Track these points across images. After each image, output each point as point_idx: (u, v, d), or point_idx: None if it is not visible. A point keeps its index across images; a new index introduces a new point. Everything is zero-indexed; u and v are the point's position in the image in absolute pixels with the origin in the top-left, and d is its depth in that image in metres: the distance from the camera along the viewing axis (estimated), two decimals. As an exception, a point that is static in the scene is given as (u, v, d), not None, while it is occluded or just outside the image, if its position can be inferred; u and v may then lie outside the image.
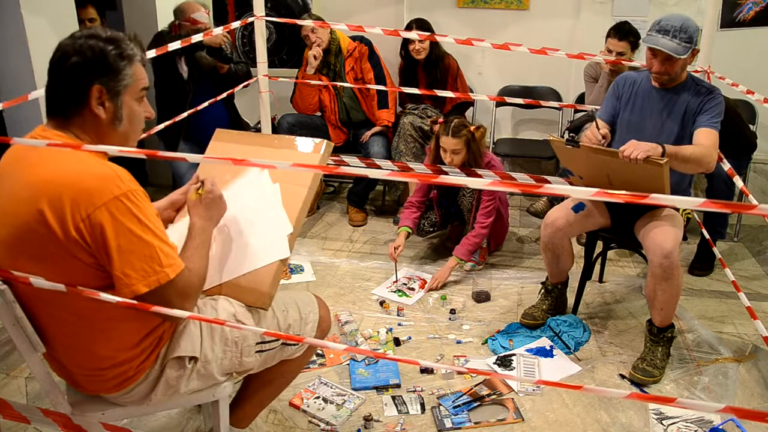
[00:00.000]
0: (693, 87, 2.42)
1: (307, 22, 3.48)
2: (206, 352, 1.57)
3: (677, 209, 2.45)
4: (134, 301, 1.30)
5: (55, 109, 1.40)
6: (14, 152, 1.41)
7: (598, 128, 2.46)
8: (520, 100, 3.50)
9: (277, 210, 1.71)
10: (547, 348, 2.55)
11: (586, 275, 2.81)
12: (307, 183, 1.71)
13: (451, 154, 3.09)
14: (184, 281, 1.39)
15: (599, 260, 3.05)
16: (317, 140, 1.77)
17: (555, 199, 3.52)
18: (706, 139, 2.32)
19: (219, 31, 3.21)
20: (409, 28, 3.74)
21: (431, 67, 3.84)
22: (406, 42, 3.81)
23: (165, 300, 1.37)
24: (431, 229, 3.43)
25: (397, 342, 2.61)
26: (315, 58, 3.69)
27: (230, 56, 3.56)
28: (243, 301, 1.67)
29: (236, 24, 3.58)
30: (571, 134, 2.32)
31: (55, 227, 1.28)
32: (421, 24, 3.75)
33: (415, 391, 2.31)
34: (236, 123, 3.80)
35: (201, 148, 3.60)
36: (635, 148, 2.15)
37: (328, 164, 1.76)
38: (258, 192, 1.76)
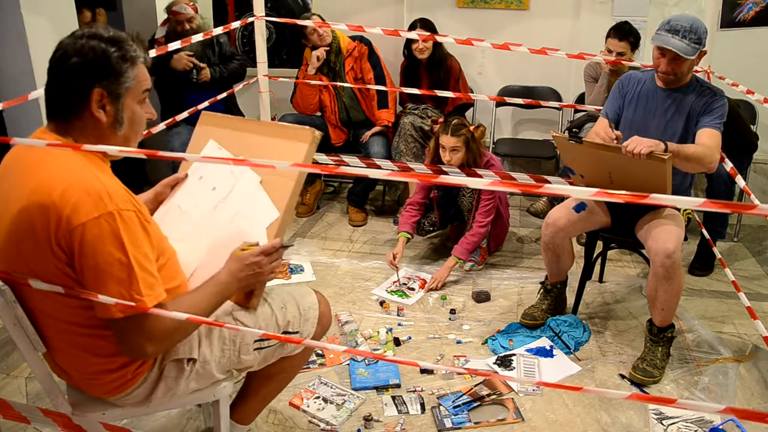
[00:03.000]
0: (698, 88, 2.41)
1: (307, 22, 3.48)
2: (204, 353, 1.56)
3: (678, 209, 2.45)
4: (132, 303, 1.30)
5: (54, 110, 1.37)
6: (15, 153, 1.40)
7: (612, 128, 2.43)
8: (520, 100, 3.51)
9: (260, 196, 1.64)
10: (547, 348, 2.55)
11: (586, 275, 2.81)
12: (293, 174, 1.64)
13: (450, 152, 3.09)
14: (157, 319, 1.33)
15: (599, 260, 3.05)
16: (306, 128, 1.71)
17: (555, 200, 3.52)
18: (708, 140, 2.31)
19: (205, 34, 3.18)
20: (412, 27, 3.74)
21: (434, 68, 3.84)
22: (409, 41, 3.81)
23: (137, 330, 1.32)
24: (431, 229, 3.43)
25: (397, 342, 2.61)
26: (318, 59, 3.69)
27: (197, 78, 3.53)
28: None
29: (236, 24, 3.58)
30: (573, 130, 2.33)
31: (41, 236, 1.28)
32: (425, 23, 3.75)
33: (415, 391, 2.31)
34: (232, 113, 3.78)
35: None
36: (638, 144, 2.15)
37: (328, 164, 1.75)
38: (235, 179, 1.69)
